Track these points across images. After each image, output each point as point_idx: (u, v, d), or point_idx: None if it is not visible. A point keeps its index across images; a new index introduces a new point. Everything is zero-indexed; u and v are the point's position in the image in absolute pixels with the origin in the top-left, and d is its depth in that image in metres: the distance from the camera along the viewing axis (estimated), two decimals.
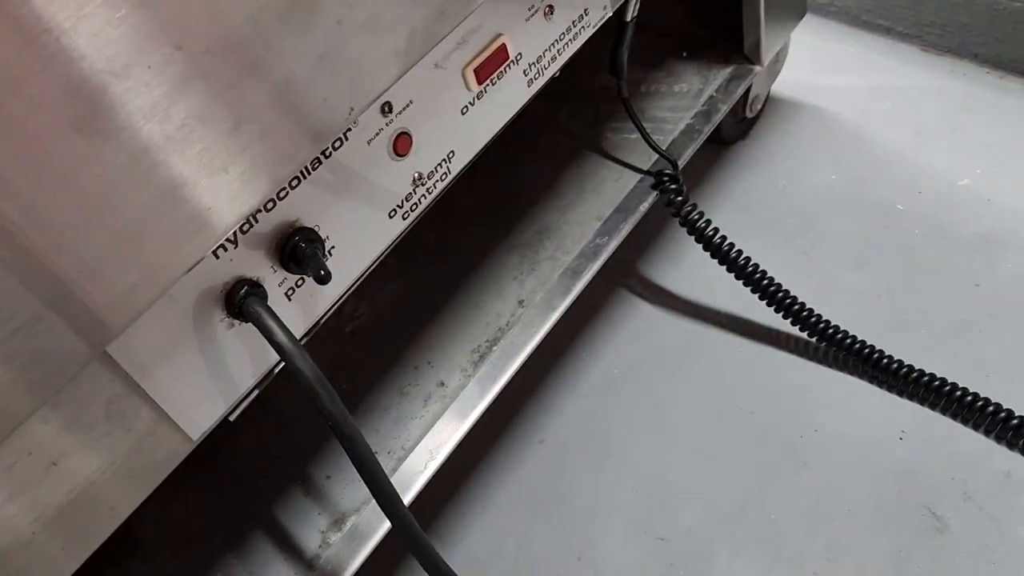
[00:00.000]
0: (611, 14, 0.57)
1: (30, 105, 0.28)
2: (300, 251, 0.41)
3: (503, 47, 0.48)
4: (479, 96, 0.48)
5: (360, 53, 0.38)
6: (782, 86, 0.86)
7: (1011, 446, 0.58)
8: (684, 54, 0.76)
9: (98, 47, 0.29)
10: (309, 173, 0.41)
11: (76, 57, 0.29)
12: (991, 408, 0.59)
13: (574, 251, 0.63)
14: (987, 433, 0.59)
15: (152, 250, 0.34)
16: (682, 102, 0.72)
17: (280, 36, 0.35)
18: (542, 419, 0.68)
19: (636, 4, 0.58)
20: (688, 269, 0.74)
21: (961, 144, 0.78)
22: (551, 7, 0.50)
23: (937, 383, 0.61)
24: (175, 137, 0.33)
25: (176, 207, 0.34)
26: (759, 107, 0.81)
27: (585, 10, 0.54)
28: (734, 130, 0.82)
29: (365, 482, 0.42)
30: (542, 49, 0.52)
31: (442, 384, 0.59)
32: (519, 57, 0.50)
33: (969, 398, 0.60)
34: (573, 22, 0.53)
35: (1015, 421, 0.58)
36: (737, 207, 0.78)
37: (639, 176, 0.67)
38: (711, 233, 0.65)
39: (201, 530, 0.56)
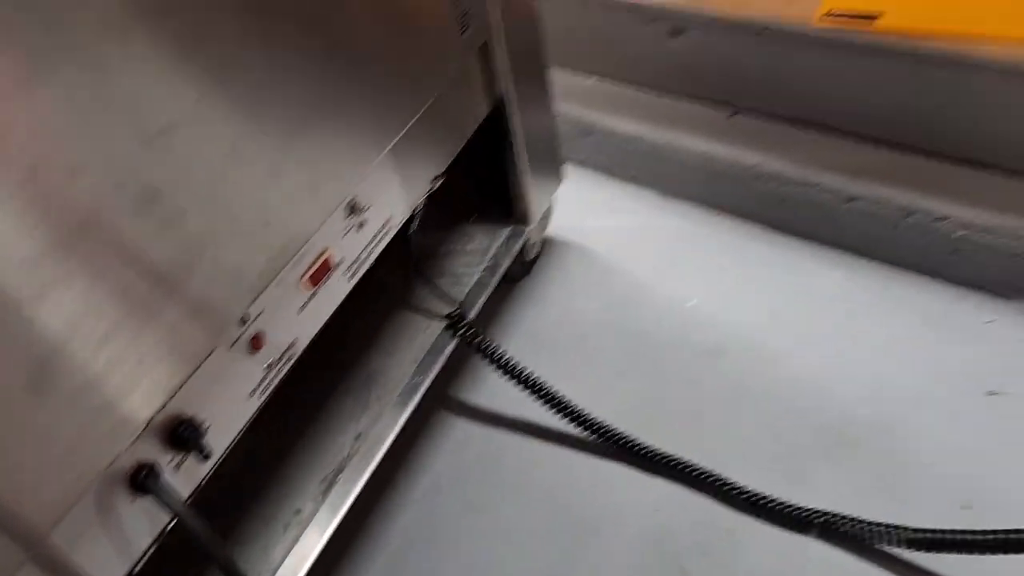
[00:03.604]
0: (411, 214, 0.73)
1: None
2: (185, 437, 0.53)
3: (328, 258, 0.63)
4: (312, 296, 0.63)
5: (223, 292, 0.52)
6: (555, 228, 1.05)
7: (731, 506, 0.77)
8: (473, 218, 0.93)
9: None
10: (188, 379, 0.53)
11: None
12: (713, 479, 0.78)
13: (397, 390, 0.78)
14: (715, 499, 0.78)
15: (73, 468, 0.46)
16: (474, 259, 0.89)
17: (152, 299, 0.48)
18: (386, 526, 0.82)
19: (421, 207, 0.74)
20: (491, 389, 0.90)
21: (689, 271, 0.99)
22: (362, 223, 0.66)
23: (680, 464, 0.80)
24: (68, 395, 0.45)
25: (92, 437, 0.46)
26: (536, 251, 1.00)
27: (389, 217, 0.69)
28: (519, 270, 1.00)
29: None
30: (358, 252, 0.67)
31: (298, 511, 0.71)
32: (341, 261, 0.65)
33: (700, 474, 0.79)
34: (380, 228, 0.69)
35: (728, 487, 0.77)
36: (526, 334, 0.96)
37: (444, 322, 0.83)
38: (501, 358, 0.81)
39: None
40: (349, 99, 0.59)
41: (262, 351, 0.59)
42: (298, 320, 0.62)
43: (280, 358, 0.61)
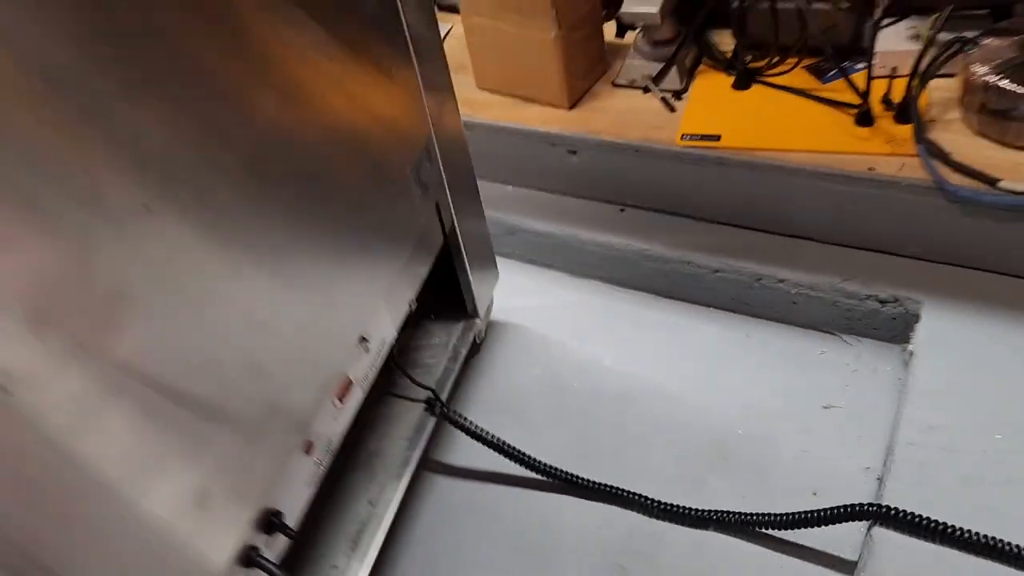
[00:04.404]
0: (396, 334, 0.96)
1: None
2: (274, 522, 0.75)
3: (350, 379, 0.86)
4: (341, 407, 0.85)
5: (292, 420, 0.75)
6: (494, 311, 1.30)
7: (651, 516, 1.03)
8: (433, 317, 1.17)
9: None
10: (273, 482, 0.75)
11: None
12: (636, 497, 1.03)
13: (395, 463, 1.01)
14: (639, 512, 1.04)
15: (207, 558, 0.68)
16: (438, 351, 1.13)
17: (251, 437, 0.70)
18: (392, 570, 1.04)
19: (400, 328, 0.98)
20: (464, 450, 1.14)
21: (601, 336, 1.25)
22: (367, 348, 0.89)
23: (614, 490, 1.05)
24: (211, 511, 0.67)
25: (217, 534, 0.68)
26: (483, 334, 1.25)
27: (384, 338, 0.93)
28: (471, 350, 1.24)
29: None
30: (367, 370, 0.90)
31: (335, 567, 0.93)
32: (356, 378, 0.88)
33: (629, 494, 1.04)
34: (379, 347, 0.92)
35: (648, 502, 1.02)
36: (482, 401, 1.20)
37: (423, 405, 1.07)
38: (469, 426, 1.05)
39: None
40: (356, 268, 0.83)
41: (313, 453, 0.81)
42: (333, 425, 0.84)
43: (324, 455, 0.83)
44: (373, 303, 0.88)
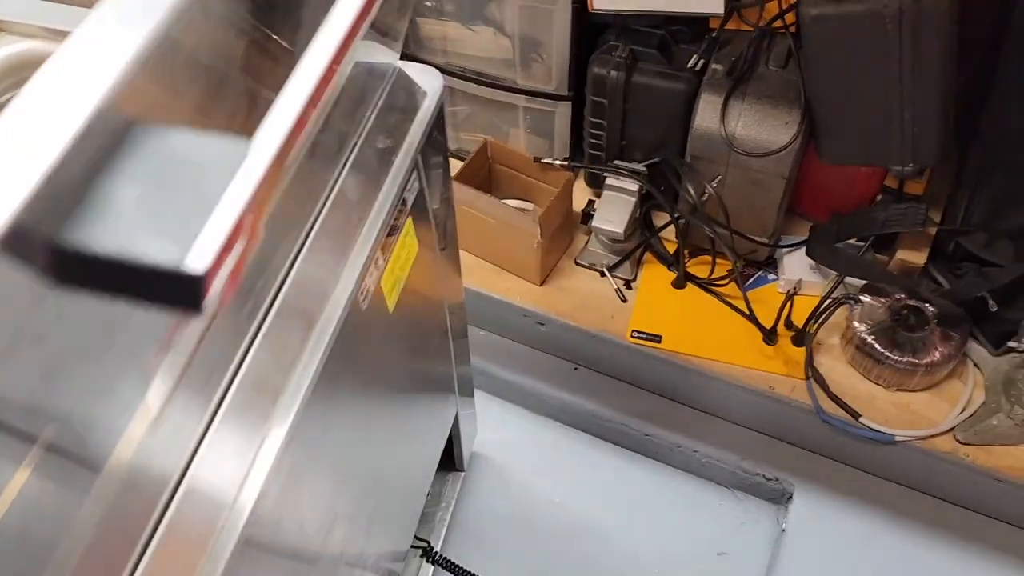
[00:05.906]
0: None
1: None
2: None
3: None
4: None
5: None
6: None
7: None
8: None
9: None
10: None
11: None
12: None
13: None
14: None
15: None
16: (432, 501, 1.40)
17: None
18: None
19: None
20: None
21: (554, 473, 1.55)
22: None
23: None
24: None
25: None
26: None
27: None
28: None
29: None
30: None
31: None
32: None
33: None
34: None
35: None
36: (455, 530, 1.48)
37: (420, 552, 1.34)
38: (455, 567, 1.34)
39: None
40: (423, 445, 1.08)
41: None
42: None
43: None
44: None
